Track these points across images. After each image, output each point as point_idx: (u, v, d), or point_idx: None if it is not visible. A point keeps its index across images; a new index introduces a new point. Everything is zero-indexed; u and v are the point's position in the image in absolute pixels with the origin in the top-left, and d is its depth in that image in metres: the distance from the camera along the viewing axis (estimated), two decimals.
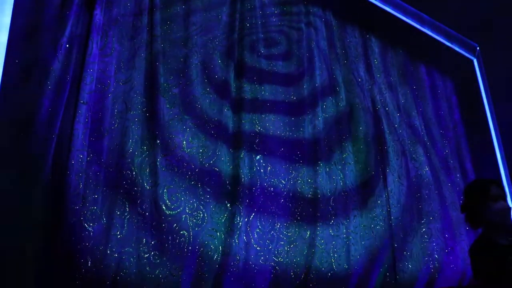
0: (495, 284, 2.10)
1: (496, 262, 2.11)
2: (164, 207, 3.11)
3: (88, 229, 2.75)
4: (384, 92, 5.12)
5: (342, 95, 4.58)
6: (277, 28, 4.40)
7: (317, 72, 4.42)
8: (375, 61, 5.22)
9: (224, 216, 3.38)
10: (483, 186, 2.33)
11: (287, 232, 3.62)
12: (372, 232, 4.18)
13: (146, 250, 2.94)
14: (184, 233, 3.13)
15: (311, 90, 4.31)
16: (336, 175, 4.15)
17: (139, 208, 3.01)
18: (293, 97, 4.18)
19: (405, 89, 5.46)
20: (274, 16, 4.44)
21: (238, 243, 3.35)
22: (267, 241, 3.50)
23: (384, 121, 4.86)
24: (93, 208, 2.82)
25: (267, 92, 4.01)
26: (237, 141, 3.67)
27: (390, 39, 5.57)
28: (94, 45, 3.11)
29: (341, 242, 3.90)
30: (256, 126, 3.81)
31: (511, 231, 2.23)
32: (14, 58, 2.75)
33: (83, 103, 2.95)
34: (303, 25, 4.59)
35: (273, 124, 3.91)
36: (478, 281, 2.23)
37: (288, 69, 4.29)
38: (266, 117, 3.89)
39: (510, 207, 2.33)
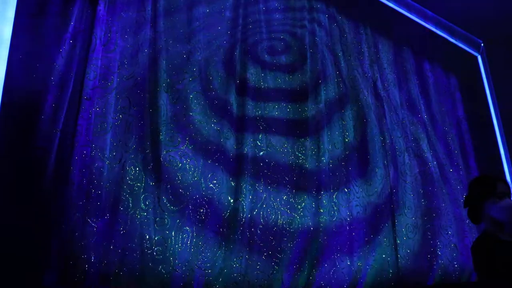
0: (498, 281, 2.09)
1: (499, 259, 2.10)
2: (167, 203, 3.12)
3: (91, 225, 2.76)
4: (388, 89, 5.11)
5: (346, 91, 4.57)
6: (280, 25, 4.39)
7: (321, 69, 4.41)
8: (378, 57, 5.21)
9: (227, 212, 3.38)
10: (490, 183, 2.31)
11: (290, 228, 3.62)
12: (375, 228, 4.18)
13: (149, 245, 2.95)
14: (187, 229, 3.14)
15: (314, 86, 4.30)
16: (340, 171, 4.14)
17: (142, 204, 3.02)
18: (297, 99, 4.17)
19: (409, 86, 5.45)
20: (277, 12, 4.43)
21: (241, 239, 3.35)
22: (270, 237, 3.50)
23: (387, 117, 4.85)
24: (97, 204, 2.82)
25: (271, 85, 4.01)
26: (241, 137, 3.67)
27: (394, 35, 5.56)
28: (98, 41, 3.11)
29: (344, 238, 3.90)
30: (260, 125, 3.82)
31: None
32: (18, 54, 2.76)
33: (87, 98, 2.95)
34: (306, 22, 4.58)
35: (277, 120, 3.92)
36: (480, 277, 2.22)
37: (291, 65, 4.28)
38: (270, 108, 3.90)
39: None
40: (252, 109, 3.82)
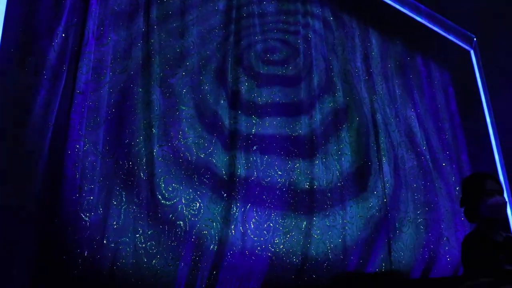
0: (485, 278, 2.10)
1: (488, 258, 2.12)
2: (160, 197, 3.11)
3: (84, 220, 2.75)
4: (381, 83, 5.12)
5: (339, 86, 4.58)
6: (274, 22, 4.37)
7: (314, 63, 4.41)
8: (372, 52, 5.21)
9: (220, 206, 3.39)
10: (478, 181, 2.33)
11: (283, 223, 3.63)
12: (368, 223, 4.20)
13: (142, 240, 2.95)
14: (181, 223, 3.14)
15: (307, 81, 4.30)
16: (333, 165, 4.15)
17: (135, 198, 3.01)
18: (290, 90, 4.16)
19: (402, 80, 5.46)
20: (270, 5, 4.42)
21: (235, 233, 3.36)
22: (263, 231, 3.51)
23: (380, 112, 4.86)
24: (90, 199, 2.81)
25: (264, 85, 4.00)
26: (233, 131, 3.67)
27: (387, 30, 5.56)
28: (90, 35, 3.09)
29: (337, 233, 3.92)
30: (253, 118, 3.81)
31: (505, 226, 2.24)
32: (9, 47, 2.73)
33: (79, 93, 2.93)
34: (300, 16, 4.57)
35: (269, 116, 3.91)
36: (467, 273, 2.23)
37: (285, 59, 4.27)
38: (263, 112, 3.90)
39: (506, 202, 2.32)
40: (245, 108, 3.81)
